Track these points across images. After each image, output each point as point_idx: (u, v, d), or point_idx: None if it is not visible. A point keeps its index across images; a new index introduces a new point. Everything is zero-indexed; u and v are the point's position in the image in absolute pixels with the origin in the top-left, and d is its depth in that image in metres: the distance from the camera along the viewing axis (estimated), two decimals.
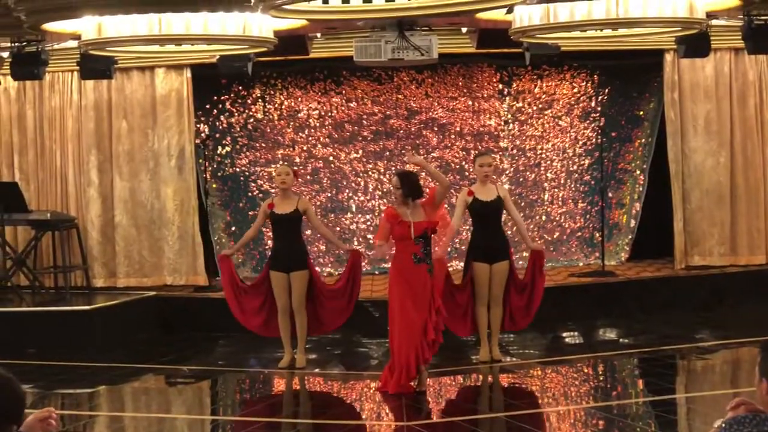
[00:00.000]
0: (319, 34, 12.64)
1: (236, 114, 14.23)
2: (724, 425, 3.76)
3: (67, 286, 13.01)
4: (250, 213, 14.18)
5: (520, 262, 13.47)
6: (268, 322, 10.74)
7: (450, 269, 10.59)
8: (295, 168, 11.81)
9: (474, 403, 9.91)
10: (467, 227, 11.62)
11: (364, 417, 9.34)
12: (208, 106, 14.14)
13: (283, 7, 7.12)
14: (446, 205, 13.75)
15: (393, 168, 14.19)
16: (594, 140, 14.27)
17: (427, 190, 9.92)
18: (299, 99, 14.26)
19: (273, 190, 13.87)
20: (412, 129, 14.36)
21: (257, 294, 10.73)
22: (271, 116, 14.27)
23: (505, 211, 10.52)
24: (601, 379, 10.82)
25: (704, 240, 13.72)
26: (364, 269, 13.57)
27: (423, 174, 10.99)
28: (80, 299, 12.74)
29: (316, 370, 10.82)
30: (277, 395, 10.58)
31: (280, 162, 13.76)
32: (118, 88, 13.52)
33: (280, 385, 10.78)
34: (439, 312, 9.45)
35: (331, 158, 14.33)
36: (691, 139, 13.71)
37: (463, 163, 14.24)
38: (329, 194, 14.35)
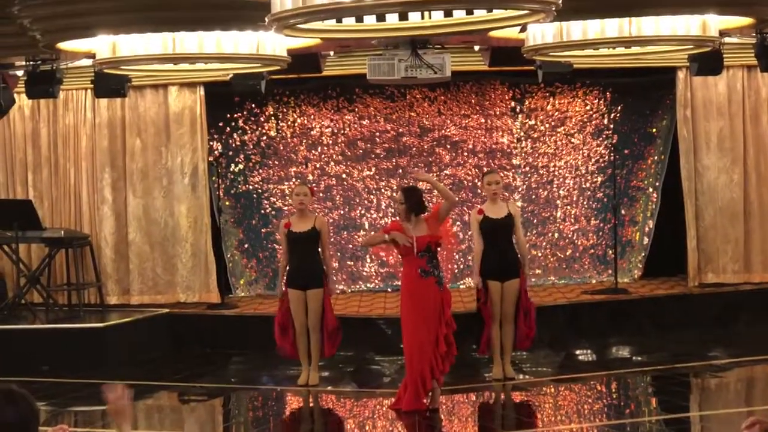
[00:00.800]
0: (332, 52, 12.68)
1: (249, 132, 14.27)
2: None
3: (80, 304, 13.03)
4: (263, 230, 14.20)
5: (533, 279, 13.50)
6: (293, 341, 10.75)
7: (463, 286, 10.63)
8: (310, 186, 11.82)
9: (487, 420, 9.90)
10: None
11: None
12: (221, 124, 14.18)
13: (297, 26, 7.13)
14: (459, 223, 13.84)
15: (406, 185, 14.19)
16: (607, 157, 14.26)
17: (431, 205, 9.96)
18: (312, 117, 14.29)
19: (286, 208, 13.91)
20: (425, 146, 14.37)
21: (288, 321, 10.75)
22: (284, 134, 14.30)
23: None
24: (615, 396, 10.80)
25: (718, 257, 13.69)
26: (377, 286, 13.60)
27: (432, 190, 11.02)
28: (94, 317, 12.77)
29: (329, 388, 10.83)
30: (289, 413, 10.58)
31: (296, 181, 13.78)
32: (131, 106, 13.57)
33: (293, 402, 10.79)
34: (449, 324, 9.44)
35: (343, 176, 14.35)
36: (704, 156, 13.70)
37: (476, 180, 14.23)
38: (342, 212, 14.37)
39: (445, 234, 9.69)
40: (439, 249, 9.51)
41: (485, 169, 13.53)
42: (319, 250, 10.68)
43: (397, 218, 9.71)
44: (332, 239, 13.89)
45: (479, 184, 14.04)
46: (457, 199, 10.43)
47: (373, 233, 9.75)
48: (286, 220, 10.73)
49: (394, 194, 9.63)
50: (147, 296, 13.60)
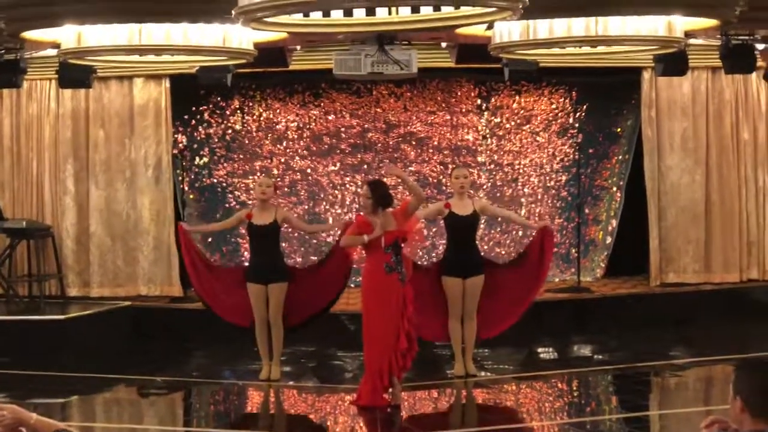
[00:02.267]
0: (298, 47, 12.65)
1: (214, 125, 14.22)
2: None
3: (41, 295, 12.95)
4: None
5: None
6: (232, 306, 10.65)
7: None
8: (275, 181, 11.78)
9: (448, 417, 9.91)
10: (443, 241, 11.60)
11: (337, 431, 9.33)
12: (186, 117, 14.12)
13: (263, 19, 7.11)
14: (422, 220, 13.83)
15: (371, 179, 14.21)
16: (571, 156, 14.31)
17: (399, 201, 9.95)
18: (278, 111, 14.26)
19: (250, 202, 13.86)
20: (390, 142, 14.38)
21: (220, 276, 10.75)
22: (249, 128, 14.26)
23: (482, 225, 10.57)
24: (576, 394, 10.84)
25: (679, 257, 13.78)
26: None
27: (400, 186, 11.00)
28: (54, 308, 12.68)
29: (291, 383, 10.80)
30: (251, 408, 10.55)
31: (261, 174, 13.75)
32: (96, 97, 13.47)
33: (255, 397, 10.76)
34: (410, 320, 9.42)
35: (308, 170, 14.33)
36: (668, 156, 13.78)
37: (441, 177, 14.26)
38: (306, 206, 14.34)
39: (410, 229, 9.67)
40: (403, 245, 9.49)
41: (451, 166, 13.56)
42: (279, 243, 10.66)
43: (362, 212, 9.64)
44: (295, 235, 13.86)
45: (444, 180, 14.09)
46: (425, 195, 10.38)
47: (346, 236, 9.63)
48: (249, 211, 10.65)
49: (359, 189, 9.57)
50: (107, 288, 13.52)
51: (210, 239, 14.20)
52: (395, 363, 9.37)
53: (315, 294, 10.59)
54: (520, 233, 14.39)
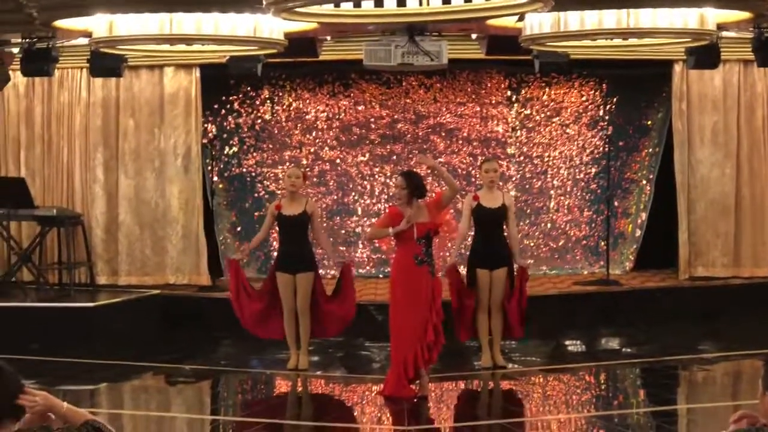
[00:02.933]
0: (329, 37, 12.65)
1: (244, 114, 14.25)
2: None
3: (71, 283, 13.01)
4: (255, 213, 14.18)
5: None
6: (266, 322, 10.69)
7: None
8: (304, 170, 11.79)
9: (474, 409, 9.91)
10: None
11: (364, 421, 9.35)
12: (216, 106, 14.15)
13: (294, 9, 7.13)
14: (452, 210, 13.85)
15: (399, 172, 14.19)
16: (601, 149, 14.26)
17: (434, 193, 9.94)
18: (307, 101, 14.27)
19: (279, 191, 13.89)
20: (420, 133, 14.37)
21: (260, 297, 10.70)
22: (278, 117, 14.28)
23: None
24: (603, 388, 10.82)
25: (708, 251, 13.71)
26: (368, 271, 13.55)
27: (431, 177, 10.98)
28: (84, 296, 12.75)
29: (318, 373, 10.82)
30: (278, 397, 10.59)
31: (290, 164, 13.78)
32: (126, 86, 13.52)
33: (282, 386, 10.79)
34: (438, 313, 9.42)
35: (338, 161, 14.34)
36: (698, 149, 13.71)
37: (470, 168, 14.24)
38: (335, 197, 14.36)
39: (447, 224, 9.66)
40: (436, 238, 9.49)
41: (480, 158, 13.55)
42: (310, 234, 10.66)
43: (397, 203, 9.57)
44: (325, 224, 13.88)
45: (473, 172, 14.07)
46: (459, 186, 10.33)
47: (374, 226, 9.64)
48: (278, 202, 10.68)
49: (392, 180, 9.54)
50: (135, 277, 13.57)
51: (239, 228, 14.24)
52: (421, 355, 9.37)
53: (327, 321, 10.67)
54: (549, 225, 14.37)
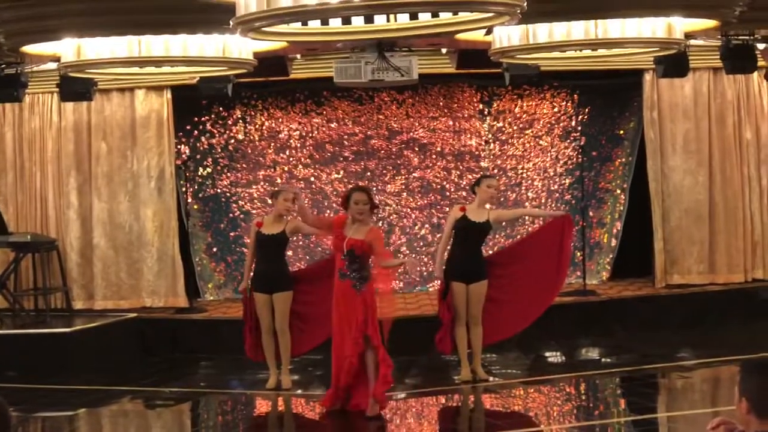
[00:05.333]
0: (299, 56, 12.66)
1: (217, 135, 14.22)
2: None
3: (47, 309, 12.95)
4: (231, 234, 14.15)
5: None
6: (255, 345, 10.67)
7: (431, 288, 10.61)
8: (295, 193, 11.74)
9: (455, 423, 9.90)
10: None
11: None
12: (188, 127, 14.13)
13: (262, 29, 7.12)
14: (427, 225, 13.89)
15: (374, 188, 14.19)
16: (574, 159, 14.30)
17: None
18: (280, 120, 14.26)
19: (255, 211, 13.87)
20: (393, 149, 14.37)
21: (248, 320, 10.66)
22: (252, 137, 14.26)
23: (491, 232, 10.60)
24: (583, 398, 10.82)
25: (683, 259, 13.74)
26: None
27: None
28: (60, 321, 12.66)
29: (299, 392, 10.78)
30: (259, 417, 10.54)
31: (264, 183, 13.76)
32: (97, 109, 13.48)
33: (263, 406, 10.75)
34: (359, 329, 9.17)
35: (312, 179, 14.33)
36: (670, 158, 13.76)
37: (444, 183, 14.26)
38: None
39: (379, 270, 9.36)
40: (361, 256, 9.20)
41: (455, 172, 13.59)
42: (286, 253, 10.63)
43: (358, 218, 9.26)
44: (300, 243, 13.87)
45: (447, 186, 14.09)
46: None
47: (319, 219, 9.58)
48: (259, 219, 10.65)
49: (354, 194, 9.26)
50: (111, 301, 13.50)
51: (215, 249, 14.20)
52: (344, 368, 9.31)
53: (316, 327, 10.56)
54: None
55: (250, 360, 10.78)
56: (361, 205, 9.26)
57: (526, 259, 10.77)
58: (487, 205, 10.53)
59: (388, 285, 9.51)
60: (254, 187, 14.18)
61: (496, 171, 14.37)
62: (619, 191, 14.42)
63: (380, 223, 14.15)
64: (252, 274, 10.58)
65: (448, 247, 10.70)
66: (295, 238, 12.99)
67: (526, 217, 14.24)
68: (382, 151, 14.37)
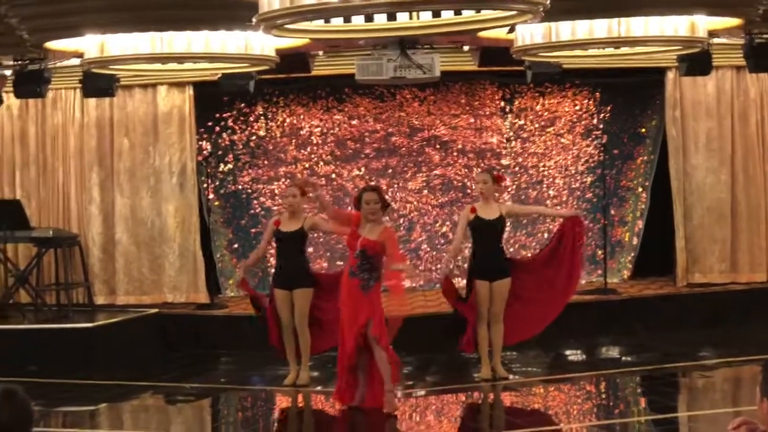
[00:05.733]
0: (321, 52, 12.67)
1: (238, 131, 14.25)
2: None
3: (69, 304, 12.98)
4: (252, 230, 14.17)
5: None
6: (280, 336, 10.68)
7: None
8: (302, 181, 11.74)
9: (475, 421, 9.90)
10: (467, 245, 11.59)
11: None
12: (210, 124, 14.15)
13: (285, 26, 7.13)
14: (448, 223, 13.89)
15: (395, 185, 14.21)
16: (596, 157, 14.27)
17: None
18: (301, 116, 14.27)
19: (275, 208, 13.89)
20: (415, 146, 14.37)
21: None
22: (273, 134, 14.28)
23: (507, 229, 10.56)
24: (604, 397, 10.81)
25: (705, 257, 13.70)
26: None
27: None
28: (82, 317, 12.72)
29: (318, 388, 10.80)
30: (279, 413, 10.56)
31: (285, 181, 13.78)
32: (120, 105, 13.53)
33: (283, 402, 10.77)
34: (360, 330, 9.17)
35: (333, 175, 14.33)
36: (693, 156, 13.72)
37: (466, 180, 14.24)
38: None
39: (395, 255, 9.33)
40: (373, 256, 9.20)
41: (476, 169, 13.57)
42: (306, 249, 10.64)
43: (371, 218, 9.24)
44: (320, 239, 13.88)
45: (469, 183, 14.07)
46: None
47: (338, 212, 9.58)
48: (277, 218, 10.68)
49: (365, 195, 9.25)
50: (133, 296, 13.56)
51: (236, 245, 14.23)
52: (344, 364, 9.33)
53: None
54: (546, 235, 14.35)
55: (274, 353, 10.76)
56: (372, 204, 9.25)
57: (544, 263, 10.76)
58: (504, 199, 10.52)
59: (399, 284, 9.48)
60: (275, 183, 14.20)
61: (517, 168, 14.35)
62: (640, 189, 14.38)
63: (401, 221, 14.16)
64: (273, 270, 10.61)
65: (469, 246, 10.69)
66: (315, 235, 13.03)
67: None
68: (404, 149, 14.37)
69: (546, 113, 14.37)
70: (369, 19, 8.14)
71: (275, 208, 14.00)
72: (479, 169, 13.07)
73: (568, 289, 10.71)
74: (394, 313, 9.40)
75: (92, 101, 13.37)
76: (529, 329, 10.80)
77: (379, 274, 9.24)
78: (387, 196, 10.38)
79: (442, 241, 14.26)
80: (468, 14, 7.81)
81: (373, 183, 12.97)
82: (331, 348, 10.74)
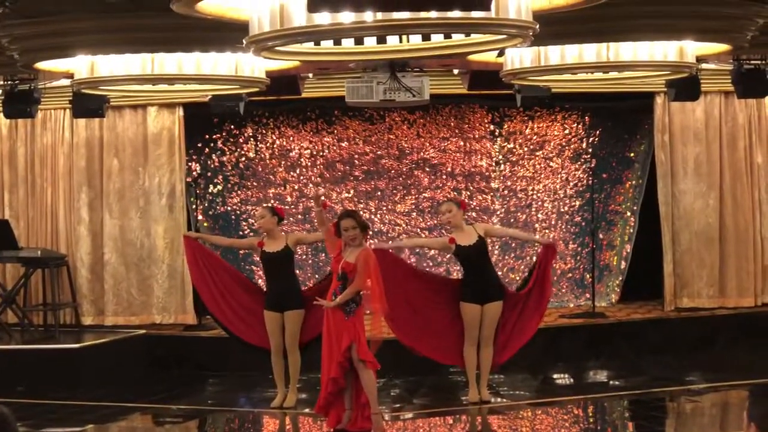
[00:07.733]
0: (311, 75, 12.69)
1: (228, 153, 14.25)
2: None
3: (56, 324, 12.95)
4: (241, 252, 14.14)
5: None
6: (251, 327, 10.61)
7: None
8: (284, 206, 11.74)
9: None
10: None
11: None
12: (199, 145, 14.16)
13: (275, 48, 7.14)
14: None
15: (384, 208, 14.21)
16: (585, 181, 14.31)
17: None
18: (291, 138, 14.29)
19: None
20: (404, 169, 14.39)
21: (241, 295, 10.63)
22: (262, 155, 14.29)
23: (496, 251, 10.55)
24: (591, 421, 10.80)
25: (693, 282, 13.73)
26: None
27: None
28: (69, 337, 12.69)
29: (306, 410, 10.77)
30: None
31: (274, 202, 13.78)
32: (109, 126, 13.53)
33: (270, 424, 10.74)
34: (344, 354, 9.13)
35: (322, 198, 14.27)
36: (681, 181, 13.76)
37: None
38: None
39: (367, 278, 9.30)
40: (353, 280, 9.15)
41: (465, 192, 13.59)
42: (294, 269, 10.61)
43: (351, 244, 9.26)
44: (309, 261, 13.87)
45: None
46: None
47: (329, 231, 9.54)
48: (261, 239, 10.62)
49: (342, 222, 9.25)
50: (121, 317, 13.53)
51: None
52: (328, 388, 9.29)
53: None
54: (534, 259, 14.33)
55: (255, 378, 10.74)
56: (351, 230, 9.25)
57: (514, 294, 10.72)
58: (494, 222, 10.51)
59: (379, 306, 9.44)
60: (264, 205, 14.18)
61: (506, 192, 14.37)
62: (629, 214, 14.41)
63: (389, 243, 14.14)
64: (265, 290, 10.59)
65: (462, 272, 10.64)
66: (304, 257, 13.03)
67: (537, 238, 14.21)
68: (393, 171, 14.39)
69: (535, 137, 14.41)
70: (359, 41, 8.15)
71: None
72: (441, 201, 12.85)
73: (538, 314, 10.64)
74: (374, 335, 9.40)
75: (82, 121, 13.37)
76: (506, 351, 10.74)
77: (360, 297, 9.23)
78: (365, 218, 10.34)
79: (431, 264, 14.26)
80: (458, 38, 7.84)
81: (350, 207, 12.95)
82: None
